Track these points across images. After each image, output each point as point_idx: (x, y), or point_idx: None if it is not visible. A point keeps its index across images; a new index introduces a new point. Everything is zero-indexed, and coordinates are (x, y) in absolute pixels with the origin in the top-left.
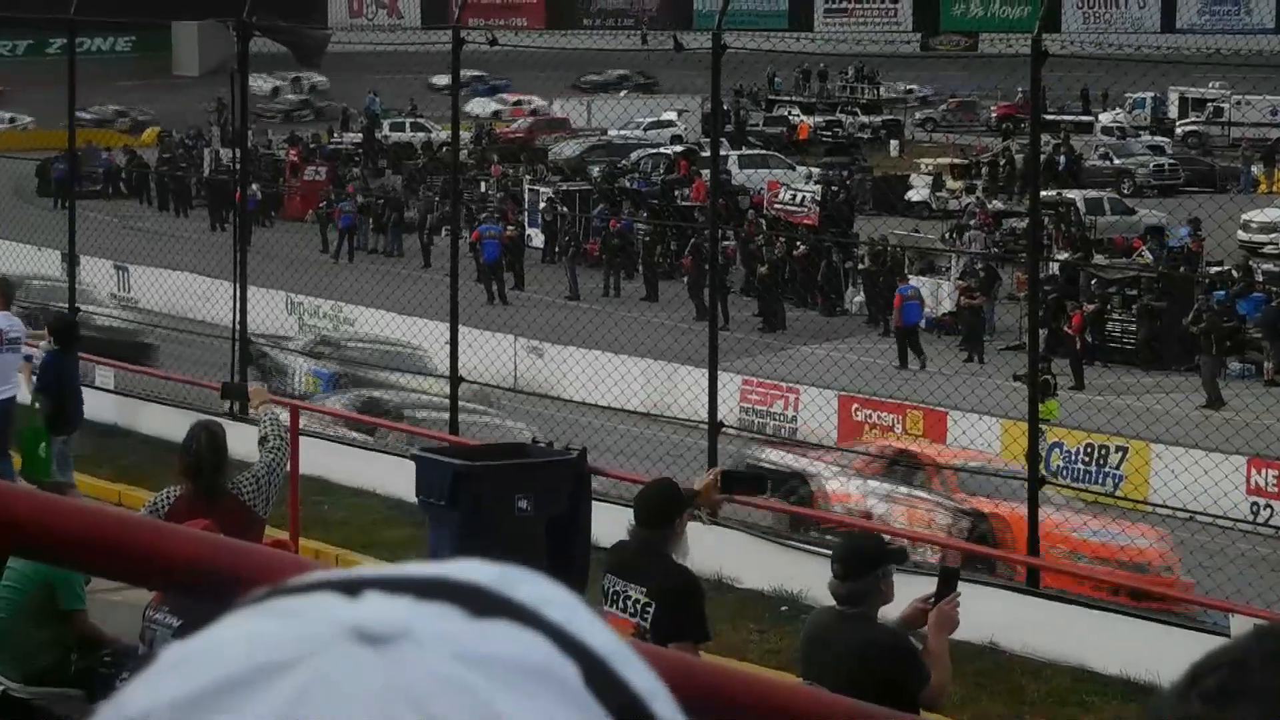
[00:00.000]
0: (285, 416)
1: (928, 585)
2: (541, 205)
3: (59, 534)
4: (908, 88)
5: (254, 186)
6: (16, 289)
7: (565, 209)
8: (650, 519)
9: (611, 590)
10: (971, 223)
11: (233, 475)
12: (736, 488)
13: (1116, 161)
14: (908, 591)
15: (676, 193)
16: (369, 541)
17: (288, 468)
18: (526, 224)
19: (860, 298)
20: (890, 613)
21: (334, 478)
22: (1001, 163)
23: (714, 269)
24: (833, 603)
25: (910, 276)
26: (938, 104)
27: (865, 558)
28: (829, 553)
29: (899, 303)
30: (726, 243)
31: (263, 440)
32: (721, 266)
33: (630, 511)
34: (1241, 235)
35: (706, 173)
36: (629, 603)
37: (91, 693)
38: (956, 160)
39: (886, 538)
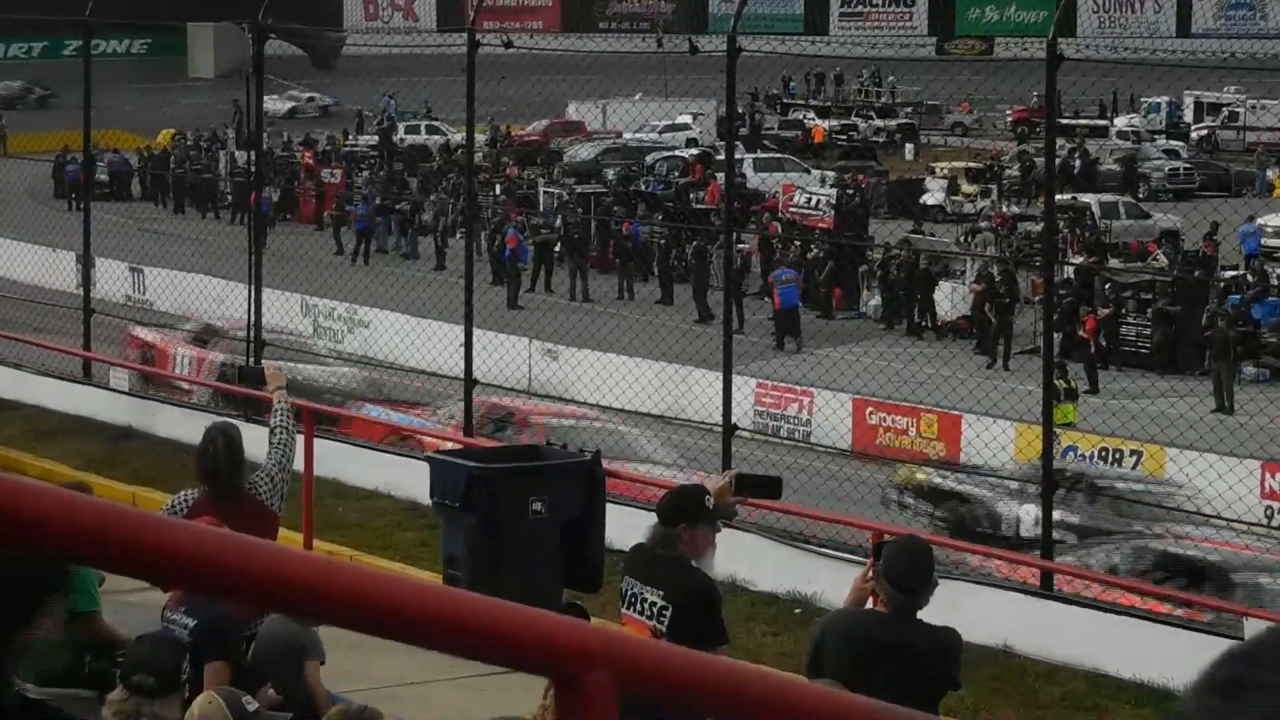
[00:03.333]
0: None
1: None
2: (555, 206)
3: (79, 532)
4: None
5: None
6: None
7: (581, 209)
8: (675, 517)
9: (629, 593)
10: (983, 224)
11: (248, 475)
12: (750, 491)
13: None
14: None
15: (691, 196)
16: (384, 544)
17: (296, 460)
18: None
19: (876, 301)
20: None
21: (348, 480)
22: (1007, 169)
23: (728, 272)
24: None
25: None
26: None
27: (931, 565)
28: (854, 558)
29: (773, 283)
30: (742, 245)
31: (271, 431)
32: (736, 270)
33: (642, 515)
34: None
35: (721, 176)
36: (646, 605)
37: (105, 694)
38: (971, 164)
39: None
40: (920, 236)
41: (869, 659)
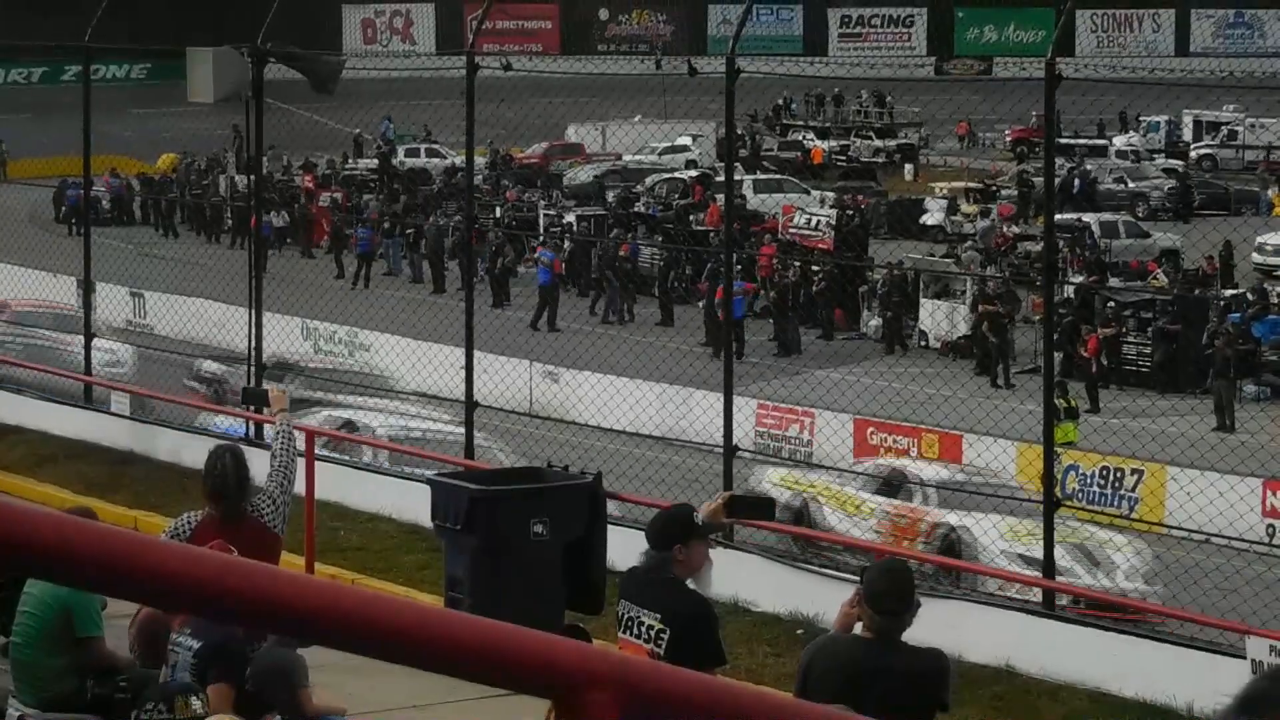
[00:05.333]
0: (300, 439)
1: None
2: (554, 229)
3: (82, 557)
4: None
5: (283, 213)
6: None
7: (575, 226)
8: (666, 540)
9: (625, 616)
10: (968, 242)
11: (252, 497)
12: (743, 513)
13: (1131, 185)
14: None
15: (691, 217)
16: (386, 567)
17: (295, 482)
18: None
19: (876, 321)
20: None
21: (350, 503)
22: (1004, 189)
23: (728, 293)
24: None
25: (924, 300)
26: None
27: (912, 586)
28: (852, 578)
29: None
30: (738, 267)
31: (273, 454)
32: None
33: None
34: (1256, 258)
35: (721, 197)
36: (643, 629)
37: (108, 719)
38: (971, 184)
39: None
40: (952, 259)
41: (854, 684)
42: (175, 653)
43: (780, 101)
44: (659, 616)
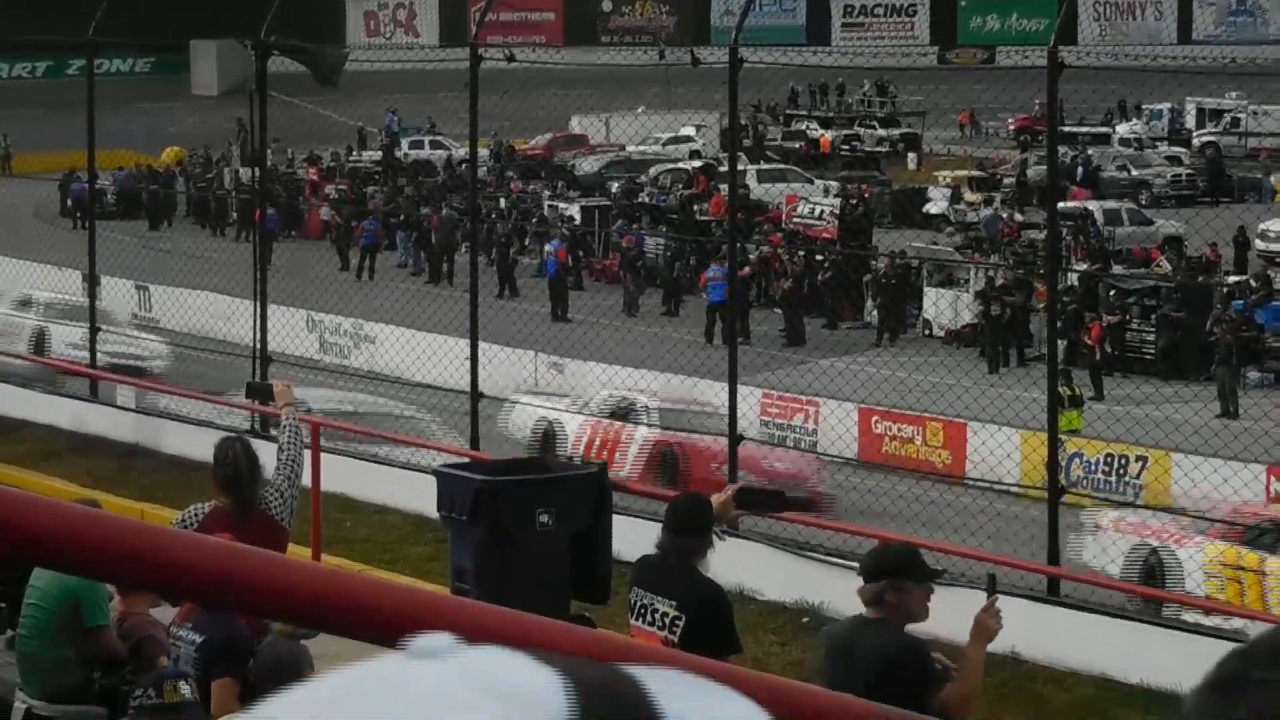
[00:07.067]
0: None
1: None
2: (560, 221)
3: (89, 545)
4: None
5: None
6: None
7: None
8: (685, 528)
9: (639, 604)
10: (968, 232)
11: (261, 489)
12: (753, 504)
13: (1134, 172)
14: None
15: (695, 208)
16: (392, 558)
17: (304, 475)
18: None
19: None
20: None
21: (356, 494)
22: (1005, 178)
23: (733, 283)
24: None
25: (927, 289)
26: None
27: (881, 564)
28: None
29: (704, 283)
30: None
31: (280, 447)
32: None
33: (653, 525)
34: (1260, 245)
35: (725, 187)
36: (657, 616)
37: (115, 711)
38: (975, 172)
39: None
40: (969, 248)
41: (840, 660)
42: (177, 646)
43: (790, 92)
44: (674, 604)
